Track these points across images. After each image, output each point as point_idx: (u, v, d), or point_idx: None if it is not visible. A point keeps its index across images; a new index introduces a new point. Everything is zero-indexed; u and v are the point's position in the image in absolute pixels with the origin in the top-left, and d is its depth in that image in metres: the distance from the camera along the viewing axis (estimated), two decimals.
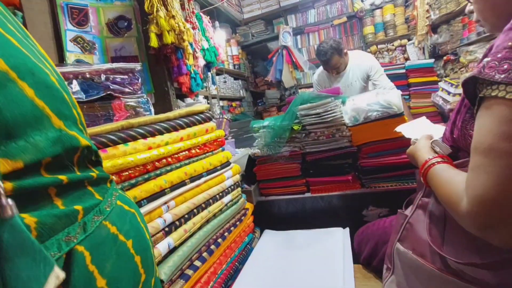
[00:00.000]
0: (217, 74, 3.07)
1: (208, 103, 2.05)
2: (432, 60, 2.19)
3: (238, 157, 1.40)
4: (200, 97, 1.86)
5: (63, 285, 0.23)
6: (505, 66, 0.41)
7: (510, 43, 0.42)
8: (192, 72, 1.31)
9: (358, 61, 1.99)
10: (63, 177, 0.27)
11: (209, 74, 1.67)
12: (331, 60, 1.88)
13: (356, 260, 0.90)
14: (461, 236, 0.53)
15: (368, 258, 0.86)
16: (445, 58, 2.62)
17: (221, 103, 3.05)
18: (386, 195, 1.13)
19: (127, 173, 0.69)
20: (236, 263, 0.96)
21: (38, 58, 0.28)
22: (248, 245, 1.07)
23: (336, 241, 1.01)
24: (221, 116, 2.05)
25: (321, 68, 2.21)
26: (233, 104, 3.45)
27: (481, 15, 0.57)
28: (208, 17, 1.62)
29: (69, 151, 0.28)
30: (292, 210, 1.27)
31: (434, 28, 2.76)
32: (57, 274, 0.21)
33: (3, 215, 0.19)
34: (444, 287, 0.55)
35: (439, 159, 0.60)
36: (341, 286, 0.78)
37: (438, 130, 0.77)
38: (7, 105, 0.22)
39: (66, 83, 0.39)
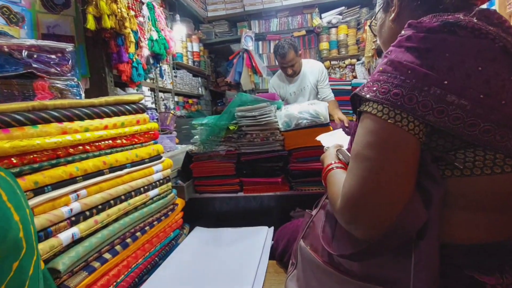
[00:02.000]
0: (176, 69, 3.00)
1: (154, 96, 1.99)
2: None
3: (176, 152, 1.39)
4: (145, 89, 1.79)
5: None
6: (374, 88, 0.48)
7: (380, 68, 0.49)
8: (134, 61, 1.26)
9: (311, 65, 2.23)
10: None
11: (158, 66, 1.63)
12: (287, 55, 2.01)
13: (273, 256, 0.95)
14: (344, 232, 0.61)
15: (281, 254, 0.92)
16: None
17: (176, 98, 2.98)
18: (312, 198, 1.20)
19: (31, 156, 0.65)
20: (156, 258, 0.94)
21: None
22: (173, 241, 1.06)
23: (259, 239, 1.06)
24: (167, 111, 2.00)
25: (278, 72, 2.31)
26: (190, 101, 3.39)
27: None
28: (161, 8, 1.58)
29: None
30: (225, 209, 1.30)
31: (379, 52, 3.06)
32: None
33: None
34: (328, 278, 0.62)
35: (338, 165, 0.68)
36: (251, 280, 0.82)
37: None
38: None
39: None
